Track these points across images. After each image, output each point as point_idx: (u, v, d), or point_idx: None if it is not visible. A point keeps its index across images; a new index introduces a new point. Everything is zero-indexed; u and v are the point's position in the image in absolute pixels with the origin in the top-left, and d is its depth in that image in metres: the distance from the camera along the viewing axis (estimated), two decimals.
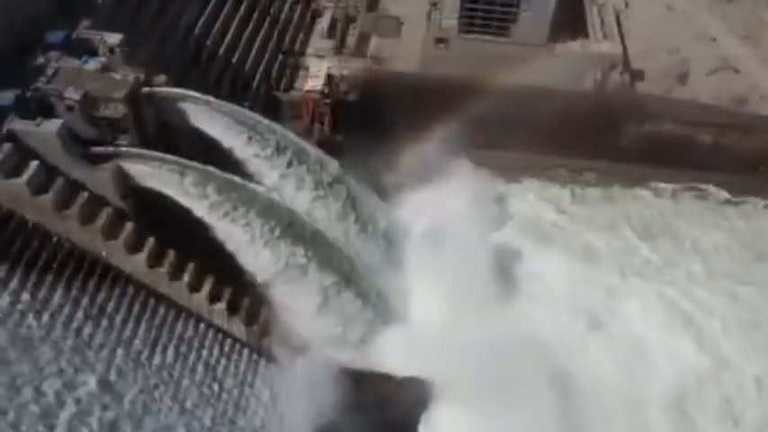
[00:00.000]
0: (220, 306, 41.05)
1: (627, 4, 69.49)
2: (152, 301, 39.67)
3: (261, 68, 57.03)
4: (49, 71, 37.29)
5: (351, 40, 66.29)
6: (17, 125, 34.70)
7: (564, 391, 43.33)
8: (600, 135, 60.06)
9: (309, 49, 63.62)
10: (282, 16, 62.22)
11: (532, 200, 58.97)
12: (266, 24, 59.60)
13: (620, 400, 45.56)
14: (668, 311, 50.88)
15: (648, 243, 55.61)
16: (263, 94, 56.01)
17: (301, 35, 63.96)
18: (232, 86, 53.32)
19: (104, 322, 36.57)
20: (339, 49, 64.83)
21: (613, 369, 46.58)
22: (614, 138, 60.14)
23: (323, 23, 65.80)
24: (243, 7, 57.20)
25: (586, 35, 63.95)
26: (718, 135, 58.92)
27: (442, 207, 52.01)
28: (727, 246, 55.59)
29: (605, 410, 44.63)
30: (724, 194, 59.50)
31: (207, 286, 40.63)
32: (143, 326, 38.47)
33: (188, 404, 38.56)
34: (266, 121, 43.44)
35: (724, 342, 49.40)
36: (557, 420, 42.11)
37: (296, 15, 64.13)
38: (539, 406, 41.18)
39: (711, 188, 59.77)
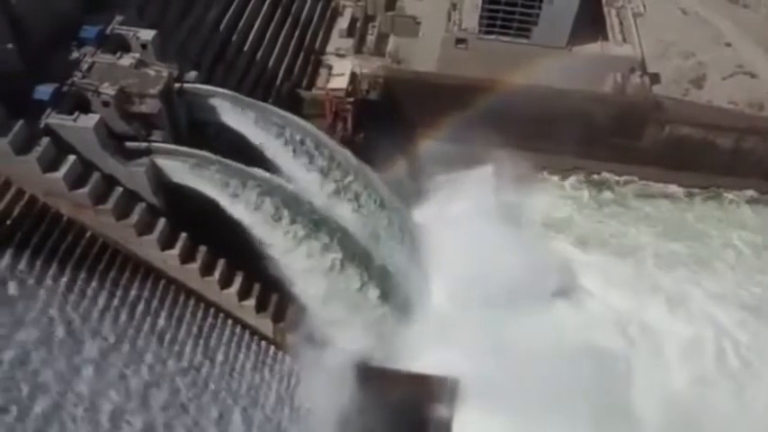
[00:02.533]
0: (250, 303, 41.13)
1: (645, 8, 69.59)
2: (182, 297, 39.82)
3: (283, 66, 57.06)
4: (84, 66, 37.29)
5: (370, 39, 66.31)
6: (54, 119, 34.72)
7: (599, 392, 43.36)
8: (619, 137, 60.46)
9: (329, 48, 63.64)
10: (303, 15, 62.21)
11: (551, 200, 59.20)
12: (288, 22, 59.64)
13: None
14: (711, 309, 51.31)
15: (671, 243, 56.05)
16: (285, 92, 56.04)
17: (321, 34, 63.95)
18: (255, 84, 53.36)
19: (137, 316, 36.72)
20: (359, 48, 64.92)
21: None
22: (633, 140, 60.50)
23: (343, 22, 65.76)
24: (266, 5, 57.17)
25: (605, 38, 64.05)
26: (737, 139, 59.20)
27: (462, 206, 52.26)
28: (751, 244, 55.95)
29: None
30: (743, 197, 59.85)
31: (237, 283, 40.67)
32: (174, 320, 38.62)
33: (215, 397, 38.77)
34: (295, 119, 43.61)
35: None
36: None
37: (316, 14, 64.10)
38: (573, 415, 41.20)
39: (730, 191, 60.22)
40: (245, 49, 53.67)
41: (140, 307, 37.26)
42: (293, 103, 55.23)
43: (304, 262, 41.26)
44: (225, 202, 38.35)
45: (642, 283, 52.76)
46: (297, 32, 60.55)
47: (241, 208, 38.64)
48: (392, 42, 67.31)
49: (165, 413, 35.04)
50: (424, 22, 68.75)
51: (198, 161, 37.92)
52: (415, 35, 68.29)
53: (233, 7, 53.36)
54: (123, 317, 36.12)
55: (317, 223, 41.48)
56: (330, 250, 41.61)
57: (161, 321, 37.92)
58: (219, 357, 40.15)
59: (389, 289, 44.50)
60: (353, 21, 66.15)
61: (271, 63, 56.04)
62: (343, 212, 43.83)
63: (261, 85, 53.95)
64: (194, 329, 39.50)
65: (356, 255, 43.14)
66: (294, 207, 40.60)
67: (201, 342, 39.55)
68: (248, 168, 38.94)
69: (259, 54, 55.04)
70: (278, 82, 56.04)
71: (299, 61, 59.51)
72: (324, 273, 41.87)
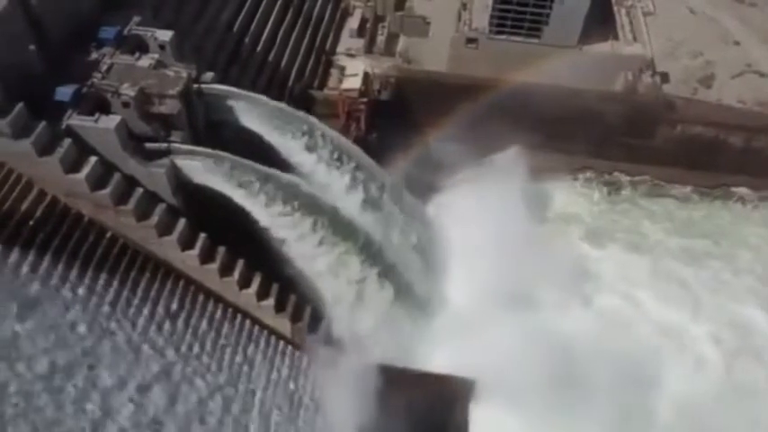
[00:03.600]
0: (268, 303, 41.12)
1: (654, 7, 69.63)
2: (201, 297, 39.84)
3: (295, 67, 57.02)
4: (103, 67, 37.29)
5: (380, 39, 66.30)
6: (75, 121, 34.77)
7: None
8: (630, 137, 60.53)
9: (340, 48, 63.62)
10: (314, 15, 62.20)
11: (564, 198, 59.39)
12: (299, 23, 59.59)
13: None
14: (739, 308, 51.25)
15: (687, 242, 56.20)
16: (297, 93, 55.96)
17: (332, 34, 63.92)
18: (268, 84, 53.27)
19: (158, 317, 36.82)
20: (369, 48, 64.90)
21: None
22: (645, 140, 60.55)
23: (353, 23, 65.76)
24: (277, 6, 57.15)
25: (615, 37, 64.06)
26: (748, 138, 59.27)
27: (477, 206, 52.33)
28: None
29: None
30: (756, 196, 59.99)
31: (255, 283, 40.67)
32: (192, 320, 38.69)
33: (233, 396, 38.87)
34: (312, 120, 43.63)
35: None
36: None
37: (327, 14, 64.09)
38: (593, 416, 41.13)
39: (743, 190, 60.30)
40: (258, 49, 53.60)
41: (159, 307, 37.33)
42: (305, 104, 55.07)
43: (319, 261, 41.43)
44: (243, 201, 38.39)
45: (662, 282, 52.67)
46: (308, 33, 60.47)
47: (259, 208, 38.63)
48: (402, 42, 67.29)
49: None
50: (434, 22, 68.71)
51: (218, 161, 37.94)
52: (424, 35, 68.27)
53: (246, 8, 53.28)
54: (144, 317, 36.19)
55: (332, 222, 41.49)
56: (347, 250, 41.73)
57: (180, 320, 37.97)
58: (238, 357, 40.21)
59: (405, 287, 44.66)
60: (363, 21, 66.10)
61: (283, 63, 55.95)
62: (362, 212, 43.68)
63: (274, 85, 53.85)
64: (213, 329, 39.49)
65: (373, 255, 43.14)
66: (308, 206, 40.64)
67: (221, 340, 39.56)
68: (269, 169, 39.02)
69: (271, 55, 54.96)
70: (290, 82, 55.98)
71: (311, 62, 59.42)
72: (342, 272, 41.97)
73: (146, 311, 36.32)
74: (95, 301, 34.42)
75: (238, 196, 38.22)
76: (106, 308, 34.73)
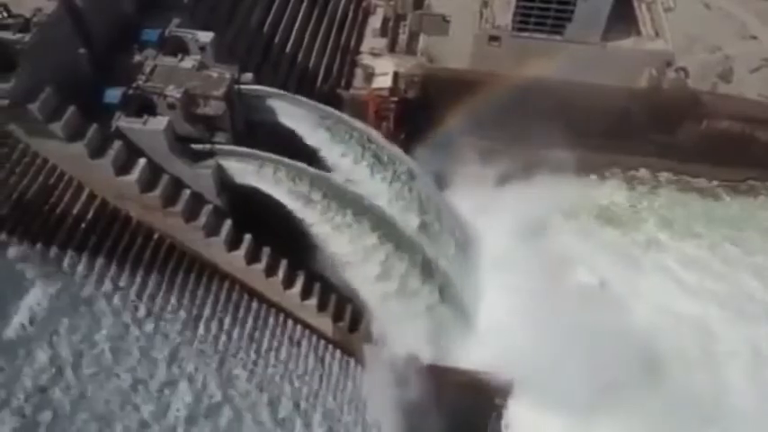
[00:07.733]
0: (311, 302, 41.25)
1: (674, 2, 69.77)
2: (245, 297, 39.96)
3: (323, 67, 57.08)
4: (147, 69, 37.34)
5: (402, 38, 66.32)
6: (124, 123, 34.83)
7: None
8: (656, 132, 60.66)
9: (363, 48, 63.63)
10: (338, 15, 62.25)
11: (593, 193, 59.48)
12: (325, 23, 59.64)
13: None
14: None
15: (719, 238, 56.21)
16: (325, 93, 55.98)
17: (355, 33, 63.96)
18: (299, 84, 53.27)
19: (206, 316, 37.00)
20: (392, 47, 64.94)
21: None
22: (671, 135, 60.68)
23: (375, 22, 65.78)
24: (303, 6, 57.23)
25: (637, 32, 64.19)
26: None
27: (505, 201, 52.56)
28: None
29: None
30: None
31: (299, 283, 40.77)
32: (239, 320, 38.84)
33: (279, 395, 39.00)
34: (352, 120, 43.71)
35: None
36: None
37: (349, 14, 64.14)
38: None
39: None
40: (288, 50, 53.71)
41: (207, 307, 37.47)
42: (333, 104, 55.05)
43: (362, 262, 41.48)
44: (288, 202, 38.46)
45: (696, 279, 52.74)
46: (333, 33, 60.53)
47: (305, 209, 38.70)
48: (422, 41, 67.27)
49: None
50: (454, 20, 68.66)
51: (262, 162, 38.05)
52: (444, 33, 68.07)
53: (274, 8, 53.33)
54: (193, 318, 36.35)
55: (376, 223, 41.49)
56: (390, 252, 41.82)
57: (227, 320, 38.15)
58: (282, 356, 40.42)
59: (444, 287, 44.64)
60: (386, 20, 66.10)
61: (311, 64, 56.06)
62: (400, 212, 43.70)
63: (304, 86, 53.85)
64: (259, 328, 39.71)
65: (412, 255, 43.20)
66: (351, 206, 40.68)
67: (266, 340, 39.77)
68: (313, 170, 39.12)
69: (300, 55, 55.06)
70: (318, 83, 56.02)
71: (337, 62, 59.46)
72: (382, 274, 42.00)
73: (194, 312, 36.37)
74: (147, 302, 34.46)
75: (282, 196, 38.21)
76: (157, 309, 34.79)
